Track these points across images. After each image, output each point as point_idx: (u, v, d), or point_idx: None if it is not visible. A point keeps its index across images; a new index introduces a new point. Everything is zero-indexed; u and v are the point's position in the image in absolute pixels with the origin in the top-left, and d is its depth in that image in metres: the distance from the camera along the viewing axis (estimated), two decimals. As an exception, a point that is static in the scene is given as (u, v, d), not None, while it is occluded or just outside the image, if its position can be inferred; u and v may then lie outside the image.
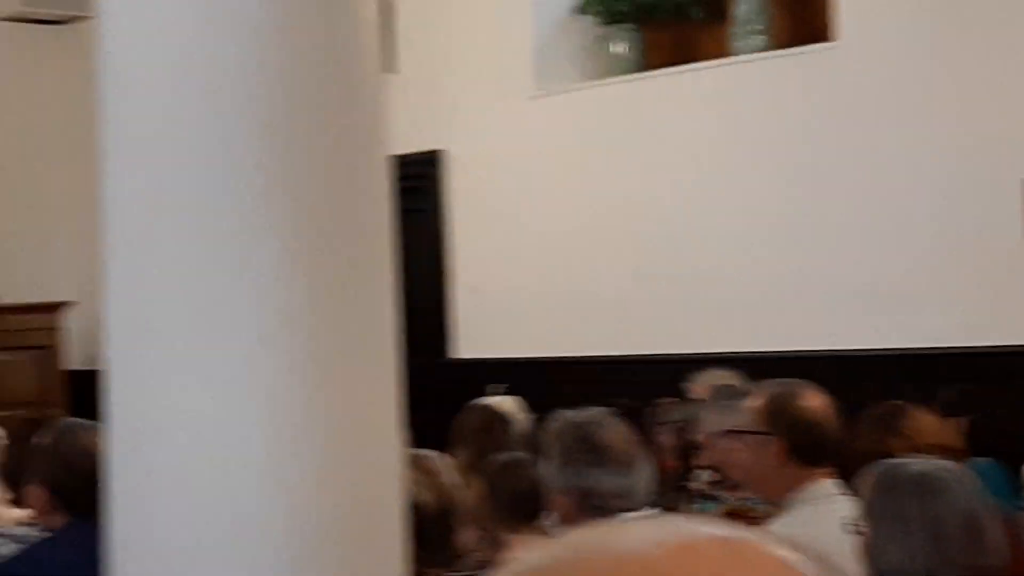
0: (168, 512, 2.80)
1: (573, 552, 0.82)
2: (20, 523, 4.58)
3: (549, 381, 7.44)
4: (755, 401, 4.12)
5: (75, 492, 3.86)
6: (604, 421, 3.82)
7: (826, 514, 3.90)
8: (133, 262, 2.84)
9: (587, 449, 3.73)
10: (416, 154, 7.83)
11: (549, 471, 3.83)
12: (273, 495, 2.74)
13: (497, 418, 5.89)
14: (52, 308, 8.93)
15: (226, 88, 2.71)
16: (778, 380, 4.38)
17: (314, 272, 2.74)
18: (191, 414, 2.76)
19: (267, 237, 2.70)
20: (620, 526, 0.84)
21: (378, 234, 2.86)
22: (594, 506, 3.72)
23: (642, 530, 0.82)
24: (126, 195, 2.86)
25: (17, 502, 4.69)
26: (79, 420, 4.04)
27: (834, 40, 7.00)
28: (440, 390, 7.54)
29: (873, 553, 3.12)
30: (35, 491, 3.97)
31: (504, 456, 4.97)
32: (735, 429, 4.08)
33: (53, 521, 3.97)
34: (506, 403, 6.26)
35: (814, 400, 4.11)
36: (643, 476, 3.76)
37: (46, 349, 8.82)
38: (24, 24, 10.05)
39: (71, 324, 9.06)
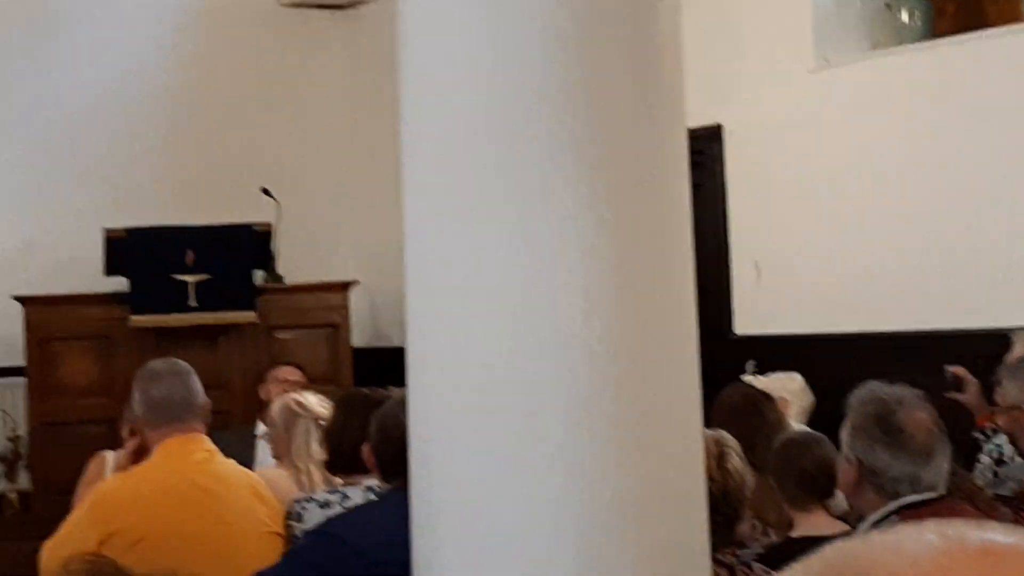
0: (466, 489, 2.84)
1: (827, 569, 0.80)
2: (344, 486, 4.74)
3: (833, 357, 7.31)
4: None
5: (392, 461, 4.03)
6: (909, 403, 3.71)
7: None
8: (433, 244, 2.88)
9: (883, 429, 3.64)
10: (695, 129, 7.76)
11: (843, 435, 3.77)
12: (570, 476, 2.75)
13: (757, 397, 5.81)
14: (340, 287, 9.15)
15: (527, 66, 2.71)
16: None
17: (618, 253, 2.73)
18: (489, 396, 2.78)
19: (570, 220, 2.70)
20: (879, 540, 0.80)
21: (679, 212, 2.84)
22: (876, 484, 3.65)
23: (899, 547, 0.78)
24: (426, 179, 2.89)
25: (334, 465, 4.84)
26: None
27: None
28: (723, 368, 7.48)
29: None
30: (369, 457, 4.16)
31: (795, 433, 4.92)
32: None
33: (384, 487, 4.17)
34: (762, 381, 6.19)
35: None
36: (937, 466, 3.65)
37: (334, 327, 9.05)
38: (308, 9, 10.31)
39: (354, 303, 9.28)
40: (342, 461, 4.71)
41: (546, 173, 2.69)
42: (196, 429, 4.63)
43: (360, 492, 4.56)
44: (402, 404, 4.09)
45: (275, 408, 5.56)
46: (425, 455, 2.92)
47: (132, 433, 5.45)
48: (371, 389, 5.16)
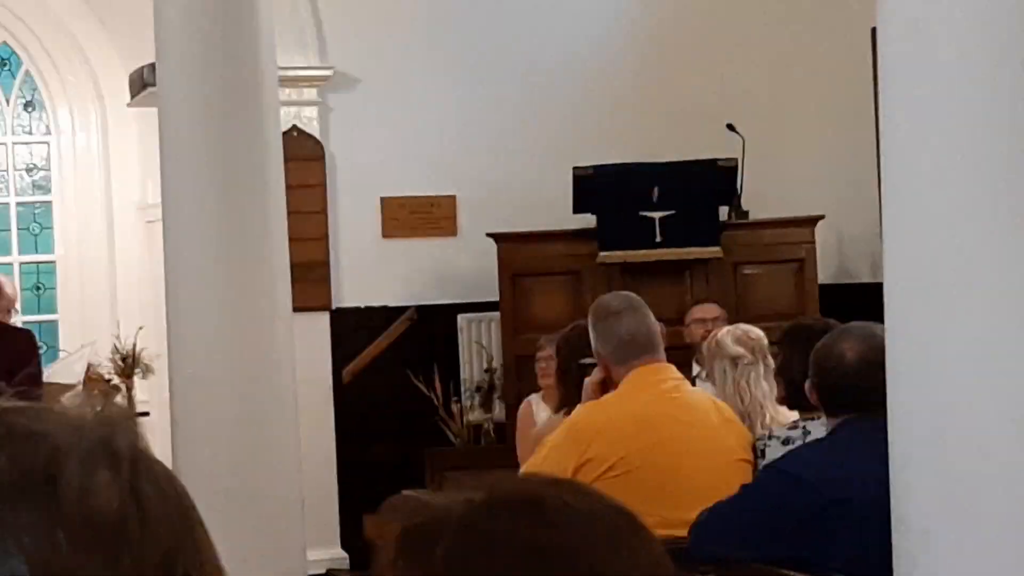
0: (947, 418, 2.78)
1: None
2: (803, 420, 4.71)
3: None
4: None
5: (834, 395, 3.98)
6: None
7: None
8: (911, 176, 2.82)
9: None
10: None
11: None
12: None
13: None
14: (806, 222, 9.05)
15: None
16: None
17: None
18: (972, 327, 2.72)
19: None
20: None
21: None
22: None
23: None
24: (905, 113, 2.83)
25: (790, 400, 4.80)
26: (856, 325, 4.09)
27: None
28: None
29: None
30: (811, 393, 4.12)
31: None
32: None
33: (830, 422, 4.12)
34: None
35: None
36: None
37: (800, 263, 8.96)
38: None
39: (820, 238, 9.16)
40: (795, 396, 4.66)
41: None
42: (661, 359, 4.70)
43: (822, 427, 4.52)
44: (840, 337, 4.01)
45: (705, 347, 5.60)
46: (905, 389, 2.88)
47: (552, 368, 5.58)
48: (815, 319, 5.06)
